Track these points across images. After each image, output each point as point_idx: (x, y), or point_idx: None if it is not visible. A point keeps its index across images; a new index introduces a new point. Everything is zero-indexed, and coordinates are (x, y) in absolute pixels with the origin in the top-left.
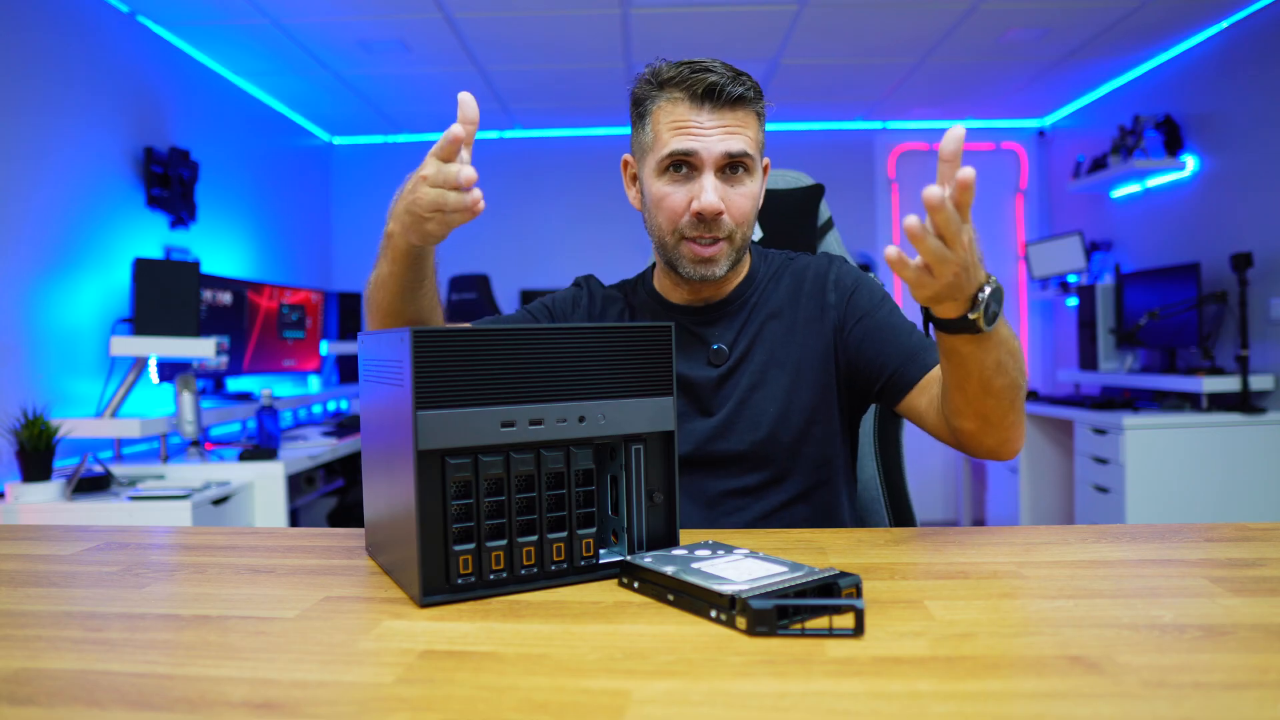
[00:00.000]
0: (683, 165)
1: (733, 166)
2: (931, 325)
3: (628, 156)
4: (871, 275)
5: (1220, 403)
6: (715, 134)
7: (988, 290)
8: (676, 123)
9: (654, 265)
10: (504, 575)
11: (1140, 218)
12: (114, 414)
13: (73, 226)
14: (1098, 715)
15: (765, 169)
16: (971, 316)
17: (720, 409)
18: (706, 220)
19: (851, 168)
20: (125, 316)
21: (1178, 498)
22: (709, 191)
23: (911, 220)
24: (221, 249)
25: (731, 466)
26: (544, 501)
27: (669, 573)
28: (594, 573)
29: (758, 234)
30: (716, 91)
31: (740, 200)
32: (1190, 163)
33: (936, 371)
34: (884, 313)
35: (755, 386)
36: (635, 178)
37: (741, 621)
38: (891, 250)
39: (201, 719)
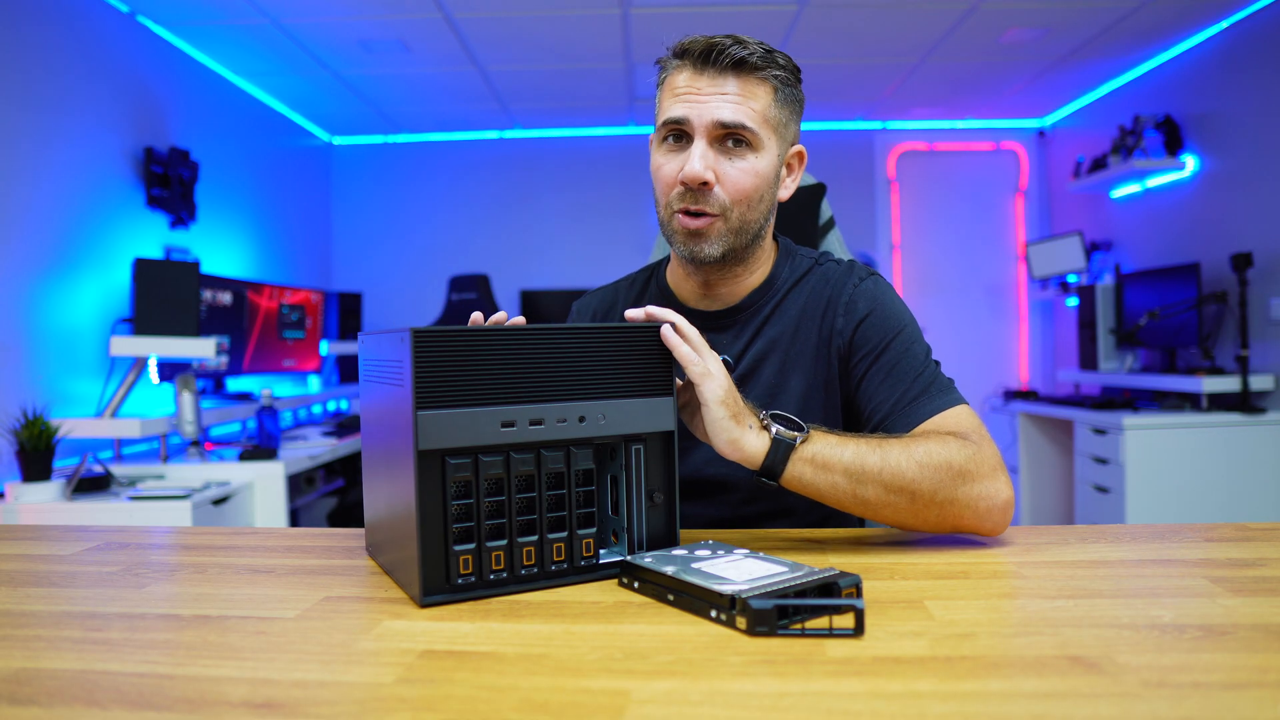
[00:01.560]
0: (679, 134)
1: (732, 139)
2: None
3: (652, 135)
4: (895, 299)
5: (1220, 403)
6: (711, 100)
7: (764, 413)
8: (675, 89)
9: (670, 255)
10: (504, 575)
11: (1140, 218)
12: (114, 414)
13: (73, 226)
14: (1098, 715)
15: (799, 157)
16: (774, 432)
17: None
18: (693, 191)
19: (851, 168)
20: (125, 316)
21: (1178, 498)
22: (695, 159)
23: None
24: (221, 249)
25: (731, 494)
26: (544, 501)
27: (669, 573)
28: (594, 573)
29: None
30: (715, 54)
31: (736, 175)
32: (1190, 163)
33: (928, 424)
34: (893, 351)
35: (761, 408)
36: None
37: (741, 621)
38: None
39: (201, 719)
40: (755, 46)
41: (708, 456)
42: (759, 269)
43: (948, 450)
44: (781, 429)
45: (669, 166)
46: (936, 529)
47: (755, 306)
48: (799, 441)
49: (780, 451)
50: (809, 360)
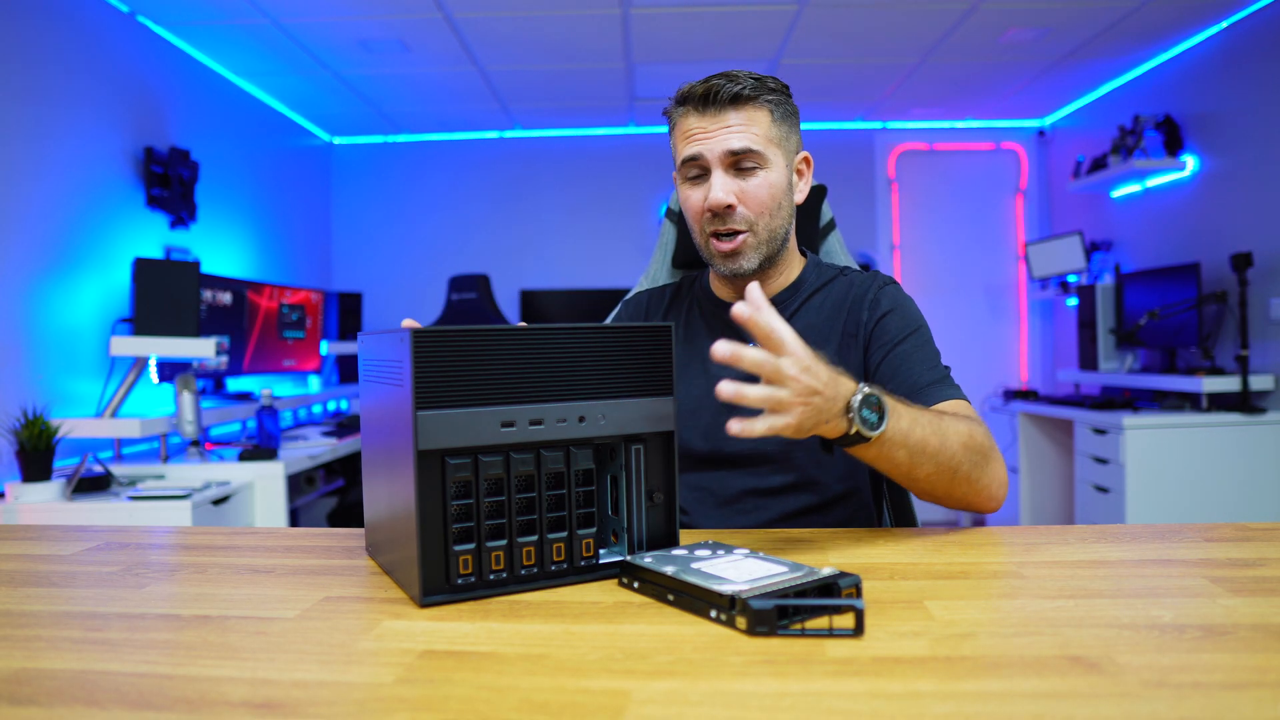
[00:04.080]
0: (697, 169)
1: (743, 162)
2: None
3: (675, 174)
4: (915, 306)
5: (1220, 403)
6: (718, 134)
7: (858, 399)
8: (686, 132)
9: None
10: (504, 575)
11: (1140, 218)
12: (114, 414)
13: (73, 226)
14: (1098, 715)
15: (807, 162)
16: (852, 431)
17: (750, 408)
18: (720, 215)
19: (851, 168)
20: (125, 316)
21: (1178, 498)
22: (716, 188)
23: (724, 386)
24: (221, 249)
25: (760, 466)
26: (544, 501)
27: (669, 573)
28: (594, 573)
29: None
30: (712, 95)
31: (755, 191)
32: (1190, 163)
33: (941, 407)
34: (908, 345)
35: None
36: None
37: (741, 621)
38: (734, 426)
39: (201, 719)
40: (745, 79)
41: None
42: (786, 271)
43: (978, 435)
44: (862, 428)
45: (695, 198)
46: (956, 504)
47: (784, 304)
48: (874, 435)
49: (852, 440)
50: (834, 350)
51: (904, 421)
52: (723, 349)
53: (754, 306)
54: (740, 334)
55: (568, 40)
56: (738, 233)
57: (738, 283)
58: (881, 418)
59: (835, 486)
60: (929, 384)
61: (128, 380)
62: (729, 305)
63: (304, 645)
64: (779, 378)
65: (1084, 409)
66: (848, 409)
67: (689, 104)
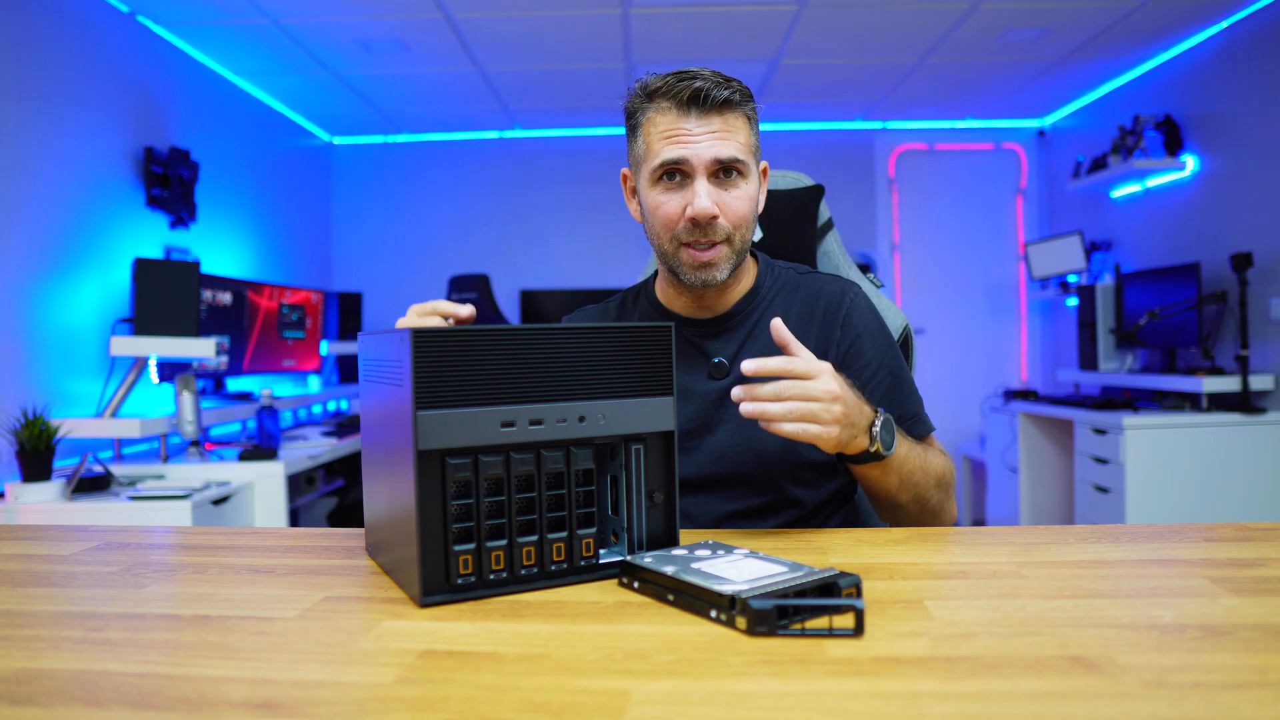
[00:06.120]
0: (675, 173)
1: (725, 171)
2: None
3: (625, 170)
4: (881, 318)
5: (1220, 403)
6: (705, 140)
7: (879, 422)
8: (665, 131)
9: (655, 273)
10: (504, 575)
11: (1140, 218)
12: (114, 414)
13: (73, 226)
14: (1098, 715)
15: (765, 171)
16: (872, 449)
17: (722, 426)
18: (702, 225)
19: (851, 168)
20: (125, 316)
21: (1178, 498)
22: (702, 197)
23: (747, 407)
24: (221, 249)
25: (737, 488)
26: (544, 501)
27: (669, 573)
28: (594, 573)
29: (757, 235)
30: (702, 97)
31: (735, 203)
32: (1190, 163)
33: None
34: (882, 374)
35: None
36: (635, 190)
37: (741, 621)
38: (747, 407)
39: (201, 719)
40: (731, 83)
41: (715, 455)
42: (744, 279)
43: (948, 474)
44: (881, 447)
45: (671, 204)
46: (914, 527)
47: (744, 313)
48: (889, 454)
49: (868, 458)
50: None
51: (902, 449)
52: (750, 366)
53: (786, 335)
54: (704, 350)
55: (568, 40)
56: (715, 243)
57: (698, 294)
58: (893, 442)
59: (815, 498)
60: (912, 417)
61: (128, 380)
62: (685, 319)
63: (304, 645)
64: (812, 393)
65: (1084, 409)
66: (870, 427)
67: (668, 100)
